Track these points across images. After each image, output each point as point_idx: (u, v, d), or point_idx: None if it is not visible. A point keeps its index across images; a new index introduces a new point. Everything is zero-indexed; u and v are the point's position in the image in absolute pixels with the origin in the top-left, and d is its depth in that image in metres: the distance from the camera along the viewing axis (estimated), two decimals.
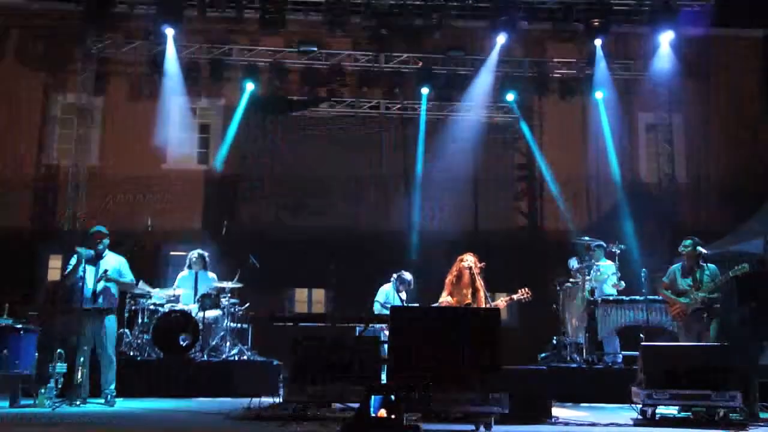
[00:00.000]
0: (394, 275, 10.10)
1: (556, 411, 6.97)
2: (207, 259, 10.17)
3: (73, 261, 7.89)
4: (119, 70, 12.87)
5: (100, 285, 7.77)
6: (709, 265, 8.05)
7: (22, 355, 7.53)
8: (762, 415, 6.93)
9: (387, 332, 9.08)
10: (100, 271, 7.81)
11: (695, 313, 7.93)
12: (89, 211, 12.23)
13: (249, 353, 9.69)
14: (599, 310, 9.60)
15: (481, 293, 8.11)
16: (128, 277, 8.12)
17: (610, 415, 6.98)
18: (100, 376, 7.84)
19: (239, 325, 10.03)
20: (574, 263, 10.40)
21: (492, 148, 14.01)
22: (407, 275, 10.11)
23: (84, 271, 7.73)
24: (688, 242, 8.07)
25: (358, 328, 8.69)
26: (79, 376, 7.52)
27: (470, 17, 12.25)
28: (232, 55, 13.05)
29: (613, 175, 13.84)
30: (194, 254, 10.15)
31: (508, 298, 8.79)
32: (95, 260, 7.89)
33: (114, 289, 7.98)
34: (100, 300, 7.80)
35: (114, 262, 8.03)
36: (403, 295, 10.16)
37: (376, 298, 10.08)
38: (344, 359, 6.36)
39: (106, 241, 8.01)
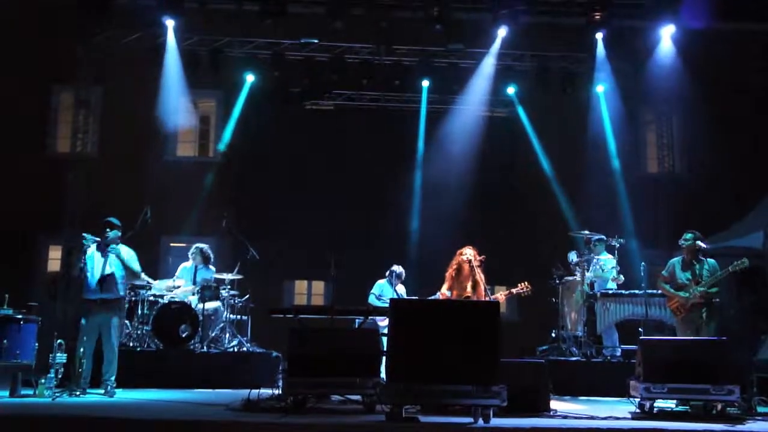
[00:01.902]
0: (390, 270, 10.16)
1: (555, 404, 7.00)
2: (208, 253, 10.15)
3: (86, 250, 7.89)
4: (119, 61, 12.81)
5: (108, 270, 7.79)
6: (708, 259, 8.05)
7: (22, 345, 7.56)
8: (760, 409, 6.94)
9: (382, 324, 9.19)
10: (108, 261, 7.83)
11: (694, 308, 7.94)
12: (89, 202, 12.22)
13: (248, 345, 9.71)
14: (598, 304, 9.63)
15: (481, 286, 8.15)
16: (136, 268, 8.13)
17: (608, 409, 6.99)
18: (101, 366, 7.85)
19: (239, 316, 10.07)
20: (573, 257, 10.41)
21: (492, 140, 13.99)
22: (398, 268, 10.18)
23: (92, 262, 7.76)
24: (689, 236, 8.06)
25: (357, 321, 8.71)
26: (79, 367, 7.54)
27: (471, 10, 12.20)
28: (233, 46, 13.02)
29: (613, 169, 13.84)
30: (194, 248, 10.15)
31: (507, 291, 8.82)
32: (104, 250, 7.90)
33: (121, 279, 7.97)
34: (107, 291, 7.81)
35: (124, 253, 8.04)
36: (401, 288, 10.19)
37: (372, 291, 10.14)
38: (343, 351, 6.37)
39: (116, 232, 8.00)
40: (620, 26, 12.13)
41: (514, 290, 8.76)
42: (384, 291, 10.07)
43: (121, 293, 8.08)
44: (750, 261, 7.87)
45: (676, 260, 8.22)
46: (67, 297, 11.30)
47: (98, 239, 7.92)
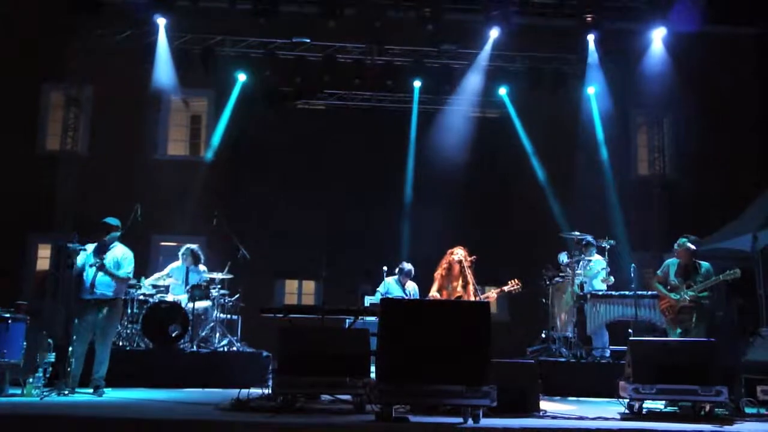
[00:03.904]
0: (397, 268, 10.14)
1: (544, 404, 7.01)
2: (199, 253, 10.12)
3: (79, 257, 7.85)
4: (111, 59, 12.77)
5: (100, 274, 7.77)
6: (703, 263, 8.09)
7: (10, 344, 7.50)
8: (747, 410, 6.98)
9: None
10: (103, 262, 7.80)
11: (683, 310, 7.98)
12: (79, 200, 12.17)
13: (238, 344, 9.69)
14: (588, 305, 9.66)
15: (471, 286, 8.14)
16: (124, 271, 8.01)
17: (597, 409, 7.01)
18: (92, 365, 7.82)
19: (229, 316, 10.04)
20: (564, 258, 10.43)
21: (484, 141, 14.02)
22: (406, 266, 10.13)
23: (88, 262, 7.74)
24: (682, 240, 8.11)
25: (348, 320, 8.70)
26: (67, 366, 7.50)
27: (463, 11, 12.24)
28: (225, 45, 12.99)
29: (603, 170, 13.90)
30: (185, 249, 10.11)
31: (498, 289, 8.83)
32: (101, 251, 7.87)
33: (111, 279, 7.94)
34: (101, 291, 7.79)
35: (118, 254, 8.00)
36: (410, 286, 10.12)
37: (378, 289, 10.11)
38: (333, 351, 6.36)
39: (115, 233, 7.98)
40: (612, 28, 12.18)
41: (505, 288, 8.77)
42: (390, 289, 10.02)
43: (117, 294, 8.05)
44: (738, 264, 7.91)
45: (671, 261, 8.26)
46: (56, 296, 11.26)
47: (84, 248, 7.84)
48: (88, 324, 7.79)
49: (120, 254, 8.02)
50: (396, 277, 10.11)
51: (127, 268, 8.06)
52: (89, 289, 7.76)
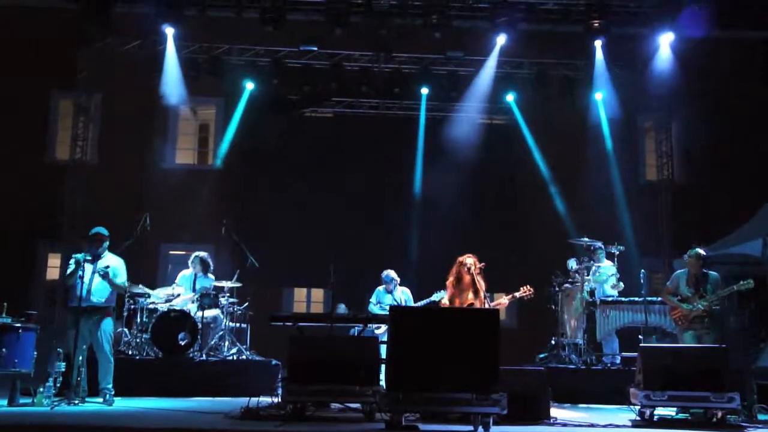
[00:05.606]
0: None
1: (555, 412, 6.98)
2: (208, 261, 10.13)
3: (72, 266, 7.89)
4: (119, 68, 12.85)
5: (97, 282, 7.77)
6: (711, 273, 8.08)
7: (20, 354, 7.54)
8: (760, 417, 6.94)
9: (378, 332, 9.20)
10: (97, 270, 7.80)
11: (696, 319, 7.97)
12: (88, 209, 12.22)
13: (247, 353, 9.68)
14: (598, 311, 9.61)
15: (482, 294, 8.12)
16: (121, 279, 8.07)
17: (608, 416, 6.99)
18: (97, 374, 7.83)
19: (238, 324, 10.04)
20: (573, 264, 10.40)
21: (491, 147, 14.00)
22: (386, 274, 10.14)
23: (82, 272, 7.73)
24: (692, 252, 8.09)
25: (357, 328, 8.70)
26: (77, 375, 7.52)
27: (470, 18, 12.25)
28: (232, 54, 13.05)
29: (612, 176, 13.86)
30: (194, 257, 10.13)
31: (510, 296, 8.83)
32: (93, 260, 7.89)
33: (111, 287, 7.96)
34: (96, 298, 7.81)
35: (114, 263, 8.02)
36: (399, 292, 10.13)
37: (370, 299, 10.13)
38: (343, 359, 6.36)
39: (106, 243, 8.02)
40: (619, 34, 12.16)
41: (517, 294, 8.77)
42: (380, 297, 10.06)
43: (111, 301, 8.05)
44: (749, 268, 7.88)
45: (681, 273, 8.27)
46: (66, 305, 11.29)
47: (89, 257, 7.88)
48: (85, 332, 7.78)
49: (116, 264, 8.04)
50: (383, 286, 10.14)
51: (123, 277, 8.13)
52: (85, 297, 7.73)
